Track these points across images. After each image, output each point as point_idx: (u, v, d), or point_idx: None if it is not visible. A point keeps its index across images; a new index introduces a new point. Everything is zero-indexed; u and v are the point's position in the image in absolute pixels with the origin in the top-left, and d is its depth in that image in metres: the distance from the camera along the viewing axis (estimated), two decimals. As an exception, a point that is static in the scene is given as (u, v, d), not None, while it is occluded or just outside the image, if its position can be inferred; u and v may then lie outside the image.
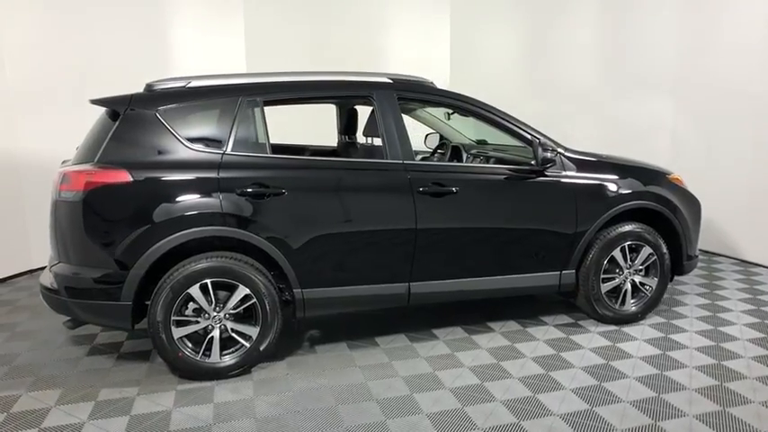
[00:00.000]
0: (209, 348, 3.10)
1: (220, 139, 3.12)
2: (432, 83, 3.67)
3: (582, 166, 3.72)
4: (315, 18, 6.86)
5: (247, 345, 3.15)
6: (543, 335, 3.75)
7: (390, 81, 3.50)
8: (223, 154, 3.10)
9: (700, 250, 5.74)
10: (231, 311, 3.11)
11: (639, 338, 3.67)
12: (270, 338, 3.18)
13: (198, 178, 3.01)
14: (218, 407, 2.87)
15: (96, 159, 2.98)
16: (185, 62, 6.05)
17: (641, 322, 3.93)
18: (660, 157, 5.78)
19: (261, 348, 3.18)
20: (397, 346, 3.60)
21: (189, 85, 3.22)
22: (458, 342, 3.64)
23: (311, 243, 3.17)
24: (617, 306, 3.85)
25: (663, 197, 3.83)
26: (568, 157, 3.70)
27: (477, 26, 7.03)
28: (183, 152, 3.05)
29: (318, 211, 3.20)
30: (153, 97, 3.14)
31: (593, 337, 3.71)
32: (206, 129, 3.15)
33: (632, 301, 3.90)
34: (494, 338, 3.69)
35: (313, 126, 5.12)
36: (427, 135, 5.20)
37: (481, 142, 4.90)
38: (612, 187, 3.73)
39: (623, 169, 3.85)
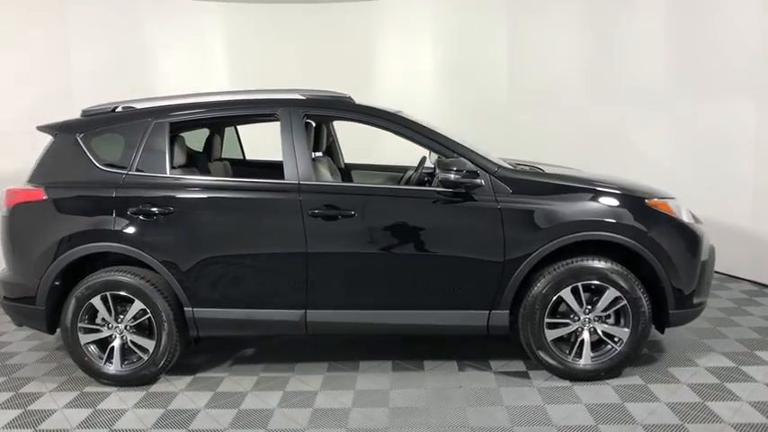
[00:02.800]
0: (111, 356, 3.31)
1: (127, 161, 3.32)
2: (349, 98, 3.42)
3: (519, 187, 3.15)
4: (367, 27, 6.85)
5: (144, 357, 3.29)
6: (472, 382, 3.25)
7: (300, 98, 3.36)
8: (125, 174, 3.28)
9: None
10: (130, 324, 3.28)
11: (582, 401, 2.98)
12: (167, 354, 3.27)
13: (97, 197, 3.24)
14: (96, 413, 3.06)
15: (28, 179, 3.38)
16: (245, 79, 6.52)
17: (608, 381, 3.18)
18: (741, 168, 4.67)
19: (157, 362, 3.29)
20: (314, 377, 3.42)
21: (116, 110, 3.48)
22: (379, 377, 3.33)
23: (200, 263, 3.20)
24: (569, 358, 3.18)
25: (630, 227, 3.06)
26: (502, 177, 3.16)
27: (538, 24, 6.31)
28: (95, 173, 3.31)
29: (206, 232, 3.21)
30: (80, 123, 3.45)
31: (527, 392, 3.11)
32: (117, 151, 3.36)
33: (593, 354, 3.18)
34: (413, 380, 3.30)
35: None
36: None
37: None
38: (556, 215, 3.09)
39: (579, 192, 3.17)
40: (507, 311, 3.18)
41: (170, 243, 3.20)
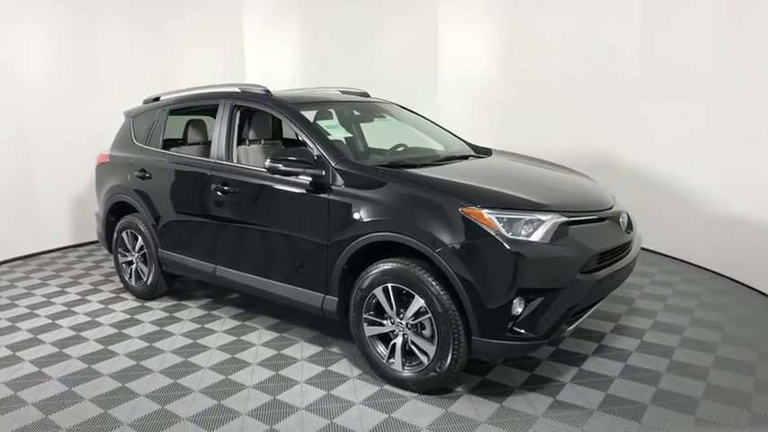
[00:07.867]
0: (131, 275, 4.72)
1: (146, 138, 4.59)
2: (267, 92, 3.87)
3: (350, 180, 3.18)
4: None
5: (144, 279, 4.59)
6: (300, 352, 3.47)
7: (233, 91, 4.01)
8: (141, 148, 4.56)
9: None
10: (139, 254, 4.62)
11: (357, 402, 2.94)
12: (153, 280, 4.49)
13: (125, 162, 4.61)
14: (103, 309, 4.50)
15: (110, 147, 5.01)
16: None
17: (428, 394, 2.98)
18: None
19: (149, 286, 4.55)
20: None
21: (158, 99, 4.78)
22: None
23: (161, 216, 4.29)
24: (385, 360, 3.10)
25: (426, 233, 2.78)
26: (339, 169, 3.22)
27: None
28: (131, 146, 4.69)
29: (164, 193, 4.25)
30: (136, 109, 4.87)
31: (348, 387, 3.16)
32: (143, 130, 4.66)
33: (406, 362, 3.02)
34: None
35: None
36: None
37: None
38: (366, 211, 3.04)
39: (399, 192, 3.01)
40: (336, 299, 3.27)
41: (150, 199, 4.37)
